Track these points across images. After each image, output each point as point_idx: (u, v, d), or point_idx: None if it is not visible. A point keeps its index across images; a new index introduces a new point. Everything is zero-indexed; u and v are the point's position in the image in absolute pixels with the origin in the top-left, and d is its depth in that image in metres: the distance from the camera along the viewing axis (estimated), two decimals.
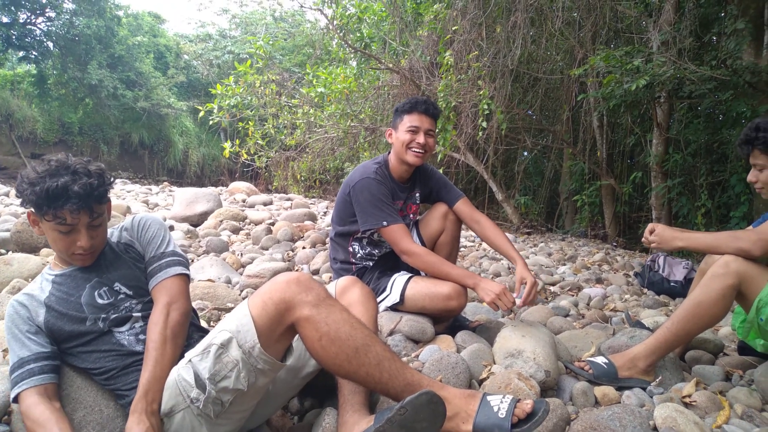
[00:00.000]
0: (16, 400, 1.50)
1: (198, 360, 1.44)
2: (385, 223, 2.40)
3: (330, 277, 3.43)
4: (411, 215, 2.74)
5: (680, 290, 3.94)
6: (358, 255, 2.63)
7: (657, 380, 2.03)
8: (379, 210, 2.42)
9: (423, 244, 2.67)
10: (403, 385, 1.44)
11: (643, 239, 2.24)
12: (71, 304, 1.62)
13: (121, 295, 1.67)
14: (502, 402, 1.44)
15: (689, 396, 1.90)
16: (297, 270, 3.90)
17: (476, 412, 1.44)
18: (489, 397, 1.47)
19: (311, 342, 1.43)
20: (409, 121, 2.50)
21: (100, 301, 1.64)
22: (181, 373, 1.47)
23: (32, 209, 1.59)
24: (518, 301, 2.32)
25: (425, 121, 2.51)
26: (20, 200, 1.60)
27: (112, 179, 1.70)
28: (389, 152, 2.64)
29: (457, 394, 1.49)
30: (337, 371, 1.47)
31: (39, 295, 1.64)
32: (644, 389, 2.00)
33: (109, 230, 1.79)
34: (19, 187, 1.57)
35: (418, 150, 2.49)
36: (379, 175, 2.50)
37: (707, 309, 1.96)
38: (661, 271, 4.15)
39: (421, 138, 2.49)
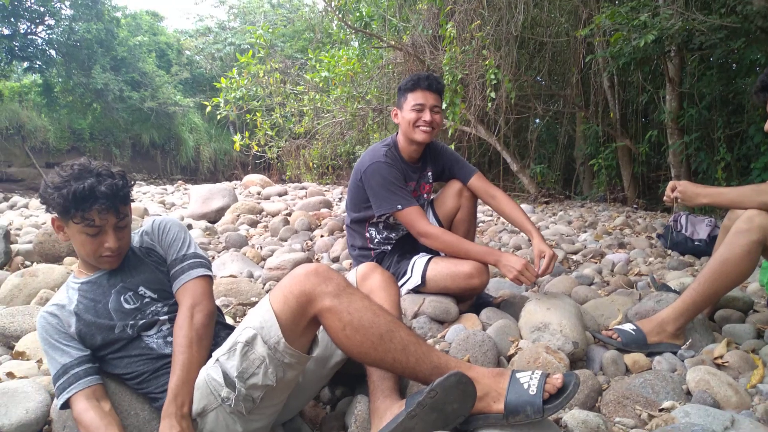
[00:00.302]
0: (65, 406, 1.53)
1: (225, 359, 1.45)
2: (399, 206, 2.39)
3: (350, 264, 3.43)
4: (425, 195, 2.72)
5: (705, 249, 3.88)
6: (376, 240, 2.62)
7: (687, 343, 2.01)
8: (392, 194, 2.40)
9: (439, 223, 2.65)
10: (430, 369, 1.44)
11: (664, 198, 2.20)
12: (99, 311, 1.64)
13: (147, 299, 1.69)
14: (531, 378, 1.43)
15: (721, 357, 1.87)
16: (317, 259, 3.91)
17: (506, 390, 1.43)
18: (518, 375, 1.46)
19: (335, 332, 1.43)
20: (413, 99, 2.46)
21: (126, 306, 1.66)
22: (210, 372, 1.48)
23: (58, 214, 1.61)
24: (536, 272, 2.31)
25: (430, 98, 2.47)
26: (46, 206, 1.63)
27: (133, 181, 1.73)
28: (397, 133, 2.61)
29: (485, 374, 1.48)
30: (364, 359, 1.47)
31: (68, 305, 1.66)
32: (675, 353, 1.98)
33: (132, 233, 1.82)
34: (44, 193, 1.59)
35: (425, 128, 2.46)
36: (389, 157, 2.47)
37: (733, 266, 1.93)
38: (684, 231, 4.09)
39: (427, 115, 2.45)
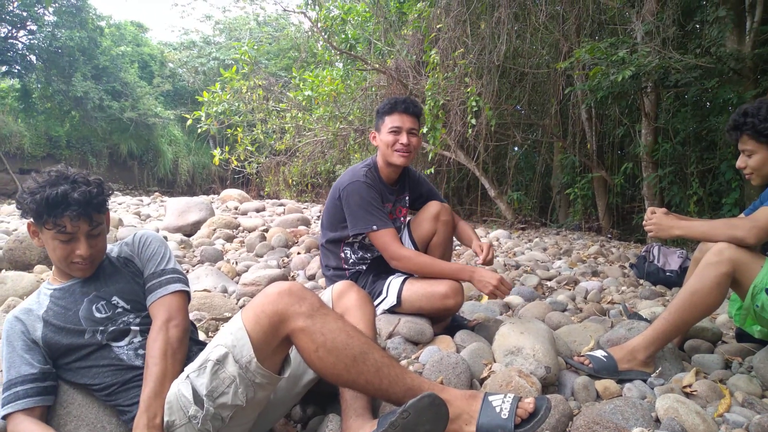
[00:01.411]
0: (5, 418, 1.52)
1: (195, 376, 1.43)
2: (374, 227, 2.39)
3: (325, 283, 3.41)
4: (402, 218, 2.73)
5: (676, 279, 3.96)
6: (351, 260, 2.61)
7: (657, 371, 2.03)
8: (369, 214, 2.40)
9: (415, 246, 2.65)
10: (404, 390, 1.44)
11: (643, 222, 2.24)
12: (69, 318, 1.62)
13: (119, 309, 1.67)
14: (504, 402, 1.44)
15: (690, 386, 1.90)
16: (293, 276, 3.89)
17: (479, 412, 1.43)
18: (491, 397, 1.47)
19: (308, 353, 1.42)
20: (390, 122, 2.48)
21: (97, 314, 1.64)
22: (181, 388, 1.46)
23: (33, 219, 1.62)
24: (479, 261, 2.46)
25: (407, 121, 2.49)
26: (21, 211, 1.63)
27: (110, 190, 1.72)
28: (377, 154, 2.64)
29: (458, 396, 1.48)
30: (336, 381, 1.46)
31: (36, 309, 1.64)
32: (645, 381, 2.00)
33: (109, 245, 1.82)
34: (20, 198, 1.60)
35: (403, 151, 2.49)
36: (369, 178, 2.48)
37: (703, 297, 1.97)
38: (656, 262, 4.17)
39: (404, 138, 2.47)
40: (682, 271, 3.98)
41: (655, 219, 2.17)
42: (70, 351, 1.60)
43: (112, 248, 1.83)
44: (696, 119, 6.42)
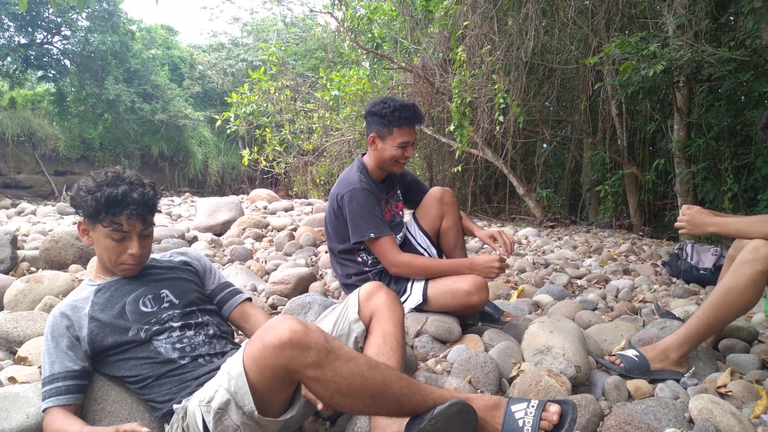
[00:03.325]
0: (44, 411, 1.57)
1: (206, 410, 1.42)
2: (372, 234, 2.39)
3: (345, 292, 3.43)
4: (400, 212, 2.74)
5: (710, 278, 3.87)
6: (370, 262, 2.59)
7: (690, 371, 2.00)
8: (367, 222, 2.40)
9: (426, 235, 2.65)
10: (427, 409, 1.41)
11: (677, 220, 2.20)
12: (115, 312, 1.67)
13: (165, 304, 1.74)
14: (527, 413, 1.42)
15: (724, 386, 1.86)
16: (320, 275, 3.91)
17: (501, 426, 1.42)
18: (514, 407, 1.45)
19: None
20: (400, 136, 2.43)
21: (143, 309, 1.70)
22: (195, 411, 1.45)
23: (87, 217, 1.68)
24: (504, 254, 2.46)
25: (413, 133, 2.48)
26: (76, 208, 1.71)
27: (161, 193, 1.81)
28: (364, 154, 2.63)
29: (481, 406, 1.46)
30: (358, 414, 1.46)
31: (82, 305, 1.69)
32: (678, 381, 1.97)
33: (160, 254, 1.96)
34: (77, 196, 1.67)
35: (403, 161, 2.51)
36: (364, 183, 2.48)
37: (738, 296, 1.93)
38: (689, 259, 4.09)
39: (410, 151, 2.47)
40: (717, 269, 3.88)
41: (688, 216, 2.12)
42: (113, 347, 1.65)
43: (164, 255, 1.96)
44: (730, 113, 6.27)
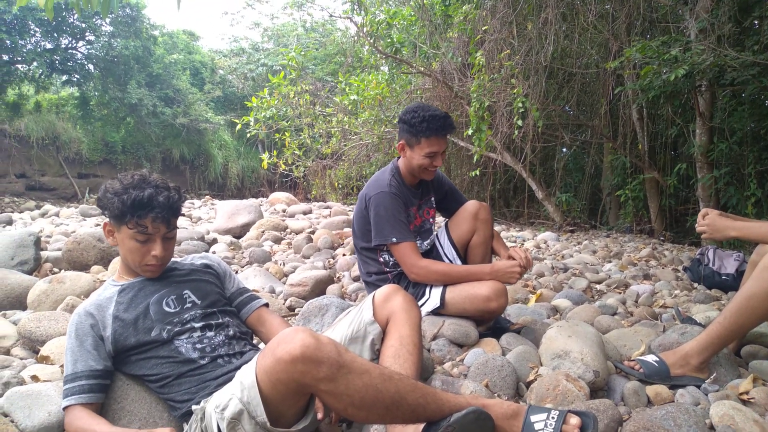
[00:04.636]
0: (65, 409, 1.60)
1: (220, 417, 1.44)
2: (394, 239, 2.40)
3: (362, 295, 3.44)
4: (430, 219, 2.73)
5: (732, 283, 3.81)
6: (391, 263, 2.60)
7: (711, 377, 1.97)
8: (391, 226, 2.41)
9: (454, 246, 2.65)
10: (443, 416, 1.41)
11: (696, 225, 2.17)
12: (139, 311, 1.70)
13: (188, 304, 1.77)
14: (546, 425, 1.40)
15: (747, 393, 1.83)
16: (338, 278, 3.93)
17: None
18: (533, 417, 1.43)
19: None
20: (428, 146, 2.42)
21: (167, 309, 1.73)
22: (212, 414, 1.47)
23: (113, 219, 1.73)
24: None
25: (443, 143, 2.47)
26: (102, 210, 1.75)
27: (186, 197, 1.85)
28: (398, 158, 2.63)
29: (499, 414, 1.44)
30: (373, 424, 1.47)
31: (106, 305, 1.72)
32: (698, 387, 1.94)
33: (181, 257, 2.00)
34: (103, 197, 1.71)
35: (433, 170, 2.52)
36: (393, 187, 2.48)
37: (760, 301, 1.89)
38: (711, 265, 4.02)
39: (438, 161, 2.47)
40: (739, 274, 3.82)
41: (709, 220, 2.09)
42: (135, 347, 1.67)
43: (185, 258, 2.00)
44: (754, 118, 6.17)
